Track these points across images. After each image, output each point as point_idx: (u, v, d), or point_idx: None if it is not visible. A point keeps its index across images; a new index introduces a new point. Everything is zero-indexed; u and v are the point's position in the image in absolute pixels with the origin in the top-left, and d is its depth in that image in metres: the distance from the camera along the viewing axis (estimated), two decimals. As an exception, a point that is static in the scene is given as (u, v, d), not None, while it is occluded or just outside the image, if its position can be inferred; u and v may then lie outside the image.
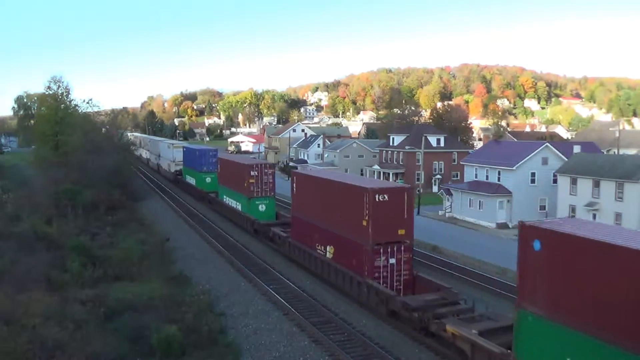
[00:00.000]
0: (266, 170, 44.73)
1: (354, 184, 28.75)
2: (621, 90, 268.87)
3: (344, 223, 28.46)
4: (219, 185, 54.55)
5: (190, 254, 39.24)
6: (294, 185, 35.49)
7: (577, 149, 54.07)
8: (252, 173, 43.99)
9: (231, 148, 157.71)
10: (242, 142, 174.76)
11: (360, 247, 26.74)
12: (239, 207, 47.13)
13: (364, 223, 26.18)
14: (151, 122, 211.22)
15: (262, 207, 44.53)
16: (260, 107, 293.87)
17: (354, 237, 27.34)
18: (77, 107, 72.64)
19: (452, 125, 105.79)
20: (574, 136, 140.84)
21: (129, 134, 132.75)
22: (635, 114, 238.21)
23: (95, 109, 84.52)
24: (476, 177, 58.90)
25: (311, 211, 32.79)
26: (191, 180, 67.07)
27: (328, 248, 30.43)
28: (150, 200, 65.15)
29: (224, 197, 52.13)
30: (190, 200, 63.92)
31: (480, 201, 55.45)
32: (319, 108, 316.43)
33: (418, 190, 67.11)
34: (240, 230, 46.60)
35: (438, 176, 78.40)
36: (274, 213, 45.26)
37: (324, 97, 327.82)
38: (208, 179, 60.82)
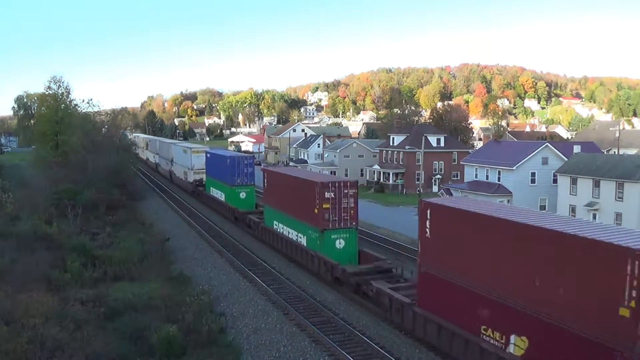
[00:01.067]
0: (346, 191, 31.72)
1: (594, 237, 15.45)
2: (621, 90, 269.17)
3: (563, 304, 15.98)
4: (265, 206, 41.28)
5: (190, 254, 39.24)
6: (429, 222, 21.88)
7: (577, 149, 54.11)
8: (327, 195, 31.12)
9: (231, 148, 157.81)
10: (242, 142, 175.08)
11: (610, 354, 14.63)
12: (303, 242, 33.70)
13: (624, 312, 14.25)
14: (151, 122, 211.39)
15: (340, 244, 31.60)
16: (260, 107, 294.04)
17: (594, 333, 15.00)
18: (77, 107, 72.83)
19: (452, 125, 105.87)
20: (574, 136, 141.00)
21: (133, 135, 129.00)
22: (635, 114, 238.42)
23: (95, 109, 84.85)
24: (476, 177, 58.91)
25: (470, 269, 19.71)
26: (218, 194, 54.34)
27: (513, 339, 17.96)
28: (151, 200, 65.12)
29: (275, 223, 38.29)
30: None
31: (480, 201, 55.41)
32: (319, 108, 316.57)
33: (418, 191, 67.10)
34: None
35: (438, 176, 78.43)
36: (356, 251, 32.07)
37: (324, 97, 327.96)
38: (243, 194, 49.88)
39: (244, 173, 50.29)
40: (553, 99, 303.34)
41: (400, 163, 79.98)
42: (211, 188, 57.04)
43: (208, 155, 59.69)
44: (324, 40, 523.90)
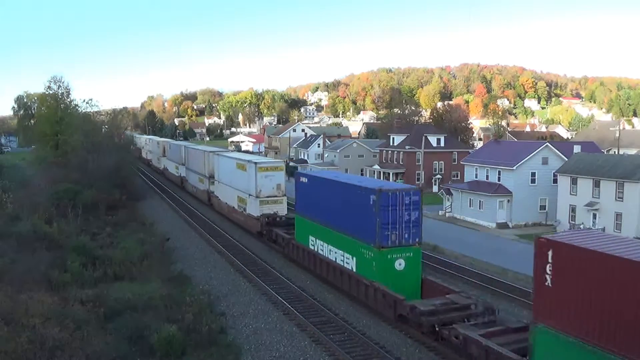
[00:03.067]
0: None
1: None
2: (621, 90, 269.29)
3: None
4: (552, 332, 15.85)
5: (190, 253, 39.23)
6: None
7: (577, 148, 54.16)
8: None
9: (231, 148, 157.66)
10: (242, 142, 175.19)
11: None
12: None
13: None
14: (151, 122, 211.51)
15: None
16: (261, 107, 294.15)
17: None
18: (77, 107, 72.84)
19: (452, 125, 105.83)
20: (574, 136, 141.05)
21: (143, 138, 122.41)
22: (635, 114, 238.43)
23: (95, 109, 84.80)
24: (476, 177, 58.90)
25: None
26: (333, 253, 30.15)
27: None
28: (151, 200, 65.04)
29: None
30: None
31: (480, 201, 55.44)
32: (319, 108, 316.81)
33: (418, 190, 67.04)
34: None
35: (438, 176, 78.42)
36: None
37: (324, 97, 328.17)
38: (400, 263, 25.92)
39: (405, 221, 25.85)
40: (553, 99, 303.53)
41: (400, 163, 79.96)
42: (311, 238, 32.74)
43: (304, 179, 34.51)
44: (324, 40, 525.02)
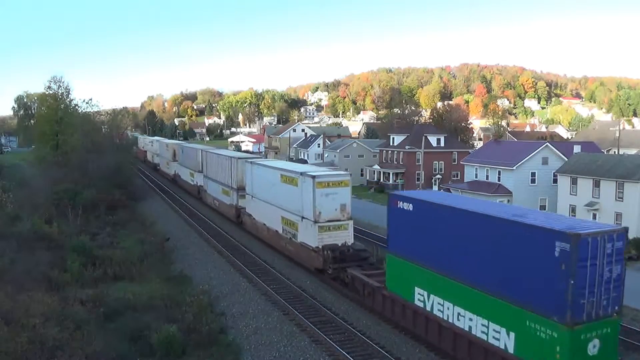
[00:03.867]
0: None
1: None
2: (621, 90, 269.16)
3: None
4: None
5: (190, 253, 39.23)
6: None
7: (577, 148, 54.21)
8: None
9: (231, 148, 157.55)
10: (242, 142, 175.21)
11: None
12: None
13: None
14: (151, 122, 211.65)
15: None
16: (260, 107, 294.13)
17: None
18: (77, 107, 72.78)
19: (452, 125, 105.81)
20: (574, 136, 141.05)
21: (146, 139, 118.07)
22: (635, 114, 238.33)
23: (95, 109, 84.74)
24: (476, 177, 58.92)
25: None
26: (457, 315, 20.31)
27: None
28: (151, 200, 64.98)
29: None
30: None
31: (480, 201, 55.42)
32: (319, 108, 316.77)
33: (418, 190, 67.06)
34: None
35: (438, 176, 78.41)
36: None
37: (324, 97, 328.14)
38: (594, 346, 16.13)
39: (605, 281, 16.02)
40: (553, 99, 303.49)
41: (400, 163, 79.97)
42: (419, 291, 22.62)
43: (407, 205, 23.27)
44: (324, 40, 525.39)
